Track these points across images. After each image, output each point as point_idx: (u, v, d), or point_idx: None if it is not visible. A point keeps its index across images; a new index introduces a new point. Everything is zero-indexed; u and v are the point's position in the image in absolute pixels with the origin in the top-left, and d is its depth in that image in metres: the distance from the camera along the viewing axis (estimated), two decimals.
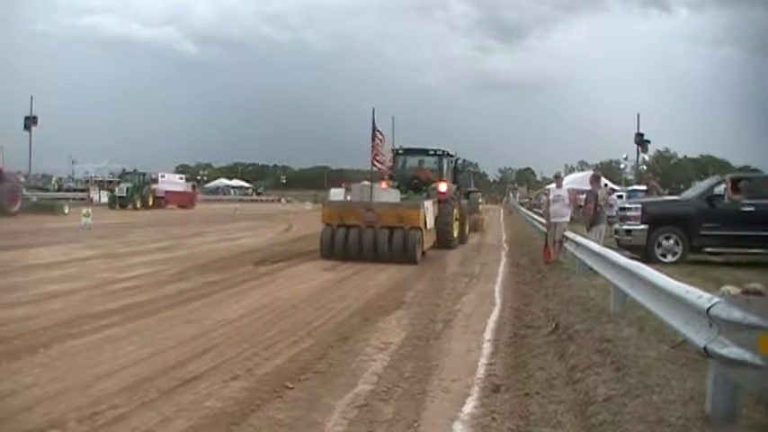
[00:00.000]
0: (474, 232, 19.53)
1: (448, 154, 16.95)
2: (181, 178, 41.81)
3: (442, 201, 14.63)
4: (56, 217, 23.30)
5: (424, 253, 12.77)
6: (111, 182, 42.41)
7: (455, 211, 15.39)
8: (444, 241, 14.61)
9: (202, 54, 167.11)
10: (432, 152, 16.62)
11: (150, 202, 34.64)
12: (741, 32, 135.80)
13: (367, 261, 11.53)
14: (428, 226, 12.93)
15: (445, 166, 16.60)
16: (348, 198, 13.79)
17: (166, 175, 38.74)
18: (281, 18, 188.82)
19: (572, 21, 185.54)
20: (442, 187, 15.10)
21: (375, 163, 13.83)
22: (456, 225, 15.50)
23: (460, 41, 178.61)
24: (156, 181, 36.75)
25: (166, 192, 36.77)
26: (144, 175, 36.21)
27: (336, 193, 14.96)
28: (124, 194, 33.31)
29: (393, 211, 12.38)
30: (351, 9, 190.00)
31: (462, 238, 16.54)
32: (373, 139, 13.41)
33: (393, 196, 13.49)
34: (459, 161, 18.86)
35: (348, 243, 12.01)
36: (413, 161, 16.80)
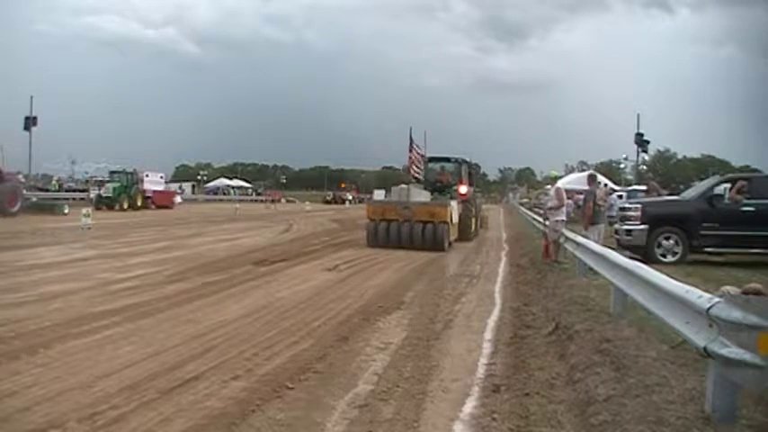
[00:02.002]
0: (481, 228, 21.32)
1: (464, 161, 19.75)
2: (161, 177, 39.71)
3: (462, 201, 17.38)
4: (56, 217, 23.27)
5: (450, 243, 15.20)
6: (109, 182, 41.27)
7: (473, 209, 18.25)
8: (465, 234, 17.18)
9: (203, 54, 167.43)
10: (453, 160, 19.44)
11: (139, 203, 32.84)
12: (742, 33, 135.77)
13: (404, 249, 13.95)
14: (453, 221, 15.61)
15: (463, 171, 19.22)
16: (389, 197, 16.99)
17: (150, 174, 36.55)
18: (282, 18, 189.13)
19: (573, 21, 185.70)
20: (463, 189, 17.96)
21: (412, 171, 16.68)
22: (473, 221, 18.24)
23: (462, 42, 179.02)
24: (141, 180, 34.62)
25: (154, 192, 35.36)
26: (133, 174, 34.21)
27: (378, 194, 20.45)
28: (110, 194, 31.39)
29: (426, 208, 15.08)
30: (352, 9, 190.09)
31: (476, 233, 19.08)
32: (410, 151, 16.29)
33: (425, 197, 16.29)
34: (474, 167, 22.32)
35: (389, 234, 14.76)
36: (436, 167, 19.30)
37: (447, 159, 19.52)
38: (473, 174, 20.92)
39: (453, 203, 16.06)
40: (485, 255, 14.59)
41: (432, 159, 19.28)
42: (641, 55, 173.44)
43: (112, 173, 35.36)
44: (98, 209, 29.54)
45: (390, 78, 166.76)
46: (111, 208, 30.22)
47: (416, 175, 17.00)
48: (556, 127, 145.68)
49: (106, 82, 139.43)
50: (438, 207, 15.25)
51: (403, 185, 16.79)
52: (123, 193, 32.07)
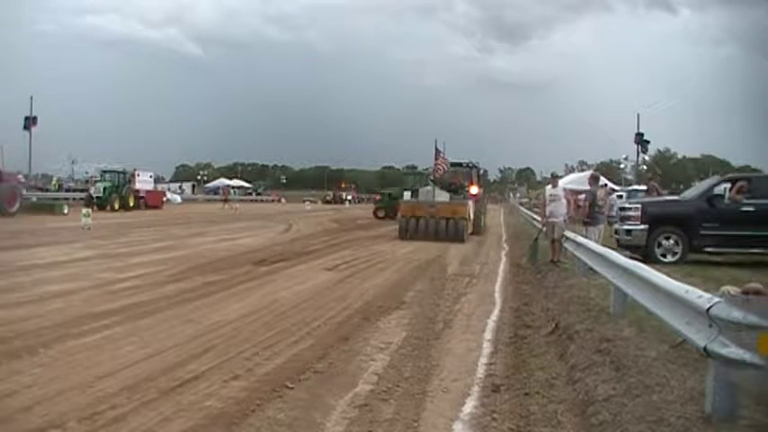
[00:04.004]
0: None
1: (474, 165, 23.08)
2: (151, 176, 38.47)
3: (474, 200, 20.19)
4: (55, 217, 23.28)
5: (467, 236, 17.87)
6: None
7: (482, 208, 21.61)
8: (476, 228, 20.05)
9: (204, 54, 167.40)
10: (464, 164, 22.65)
11: (131, 203, 31.93)
12: (742, 32, 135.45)
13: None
14: (470, 217, 18.71)
15: (473, 174, 22.43)
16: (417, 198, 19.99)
17: (141, 174, 35.68)
18: (284, 18, 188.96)
19: (575, 21, 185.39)
20: (474, 190, 21.00)
21: (438, 175, 19.67)
22: (482, 218, 21.46)
23: (463, 42, 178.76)
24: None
25: (147, 192, 34.65)
26: (125, 173, 33.47)
27: (406, 194, 21.34)
28: (100, 194, 30.38)
29: (448, 207, 18.06)
30: (353, 9, 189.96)
31: (485, 228, 22.14)
32: (436, 158, 19.49)
33: (445, 197, 19.01)
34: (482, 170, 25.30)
35: (418, 228, 17.55)
36: (450, 170, 21.45)
37: (460, 164, 22.36)
38: (481, 177, 24.11)
39: (470, 203, 19.15)
40: (485, 254, 14.58)
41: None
42: (642, 55, 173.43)
43: (104, 172, 34.21)
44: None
45: (391, 78, 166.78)
46: (102, 208, 28.81)
47: (441, 179, 19.90)
48: (556, 127, 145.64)
49: (107, 82, 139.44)
50: (459, 206, 18.24)
51: (428, 188, 19.79)
52: (114, 193, 31.15)
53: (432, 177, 20.25)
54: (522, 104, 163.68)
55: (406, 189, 28.48)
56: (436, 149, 19.60)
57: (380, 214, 29.65)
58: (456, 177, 21.46)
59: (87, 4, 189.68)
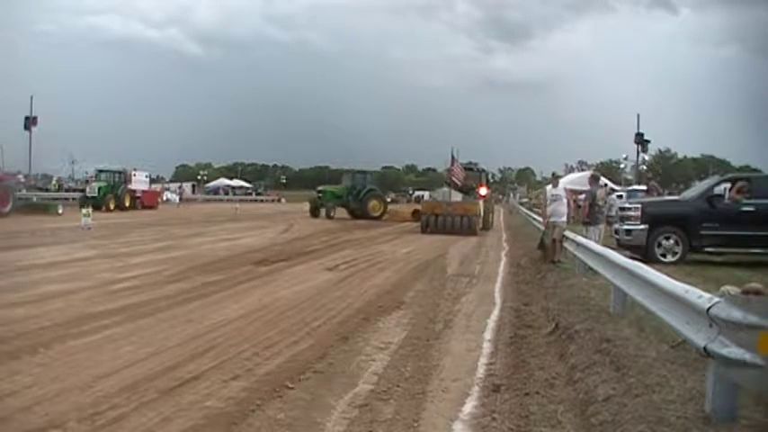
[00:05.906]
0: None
1: (483, 169, 26.82)
2: (147, 176, 37.98)
3: (483, 200, 23.25)
4: (51, 217, 23.26)
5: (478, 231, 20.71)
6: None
7: (490, 206, 24.80)
8: (485, 224, 23.12)
9: (205, 54, 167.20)
10: (474, 168, 25.78)
11: (127, 203, 31.58)
12: (743, 32, 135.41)
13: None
14: (480, 214, 21.69)
15: (482, 177, 25.56)
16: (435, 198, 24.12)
17: (137, 173, 35.22)
18: (284, 18, 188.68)
19: (576, 21, 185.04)
20: (482, 191, 23.86)
21: (453, 180, 22.58)
22: (490, 215, 24.73)
23: (464, 42, 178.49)
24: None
25: (143, 192, 34.49)
26: (121, 173, 33.10)
27: (426, 195, 25.47)
28: (95, 195, 29.83)
29: (462, 205, 21.02)
30: (354, 9, 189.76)
31: (492, 224, 25.22)
32: (452, 165, 22.65)
33: (458, 197, 21.86)
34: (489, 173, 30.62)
35: (437, 223, 20.44)
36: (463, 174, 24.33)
37: (470, 168, 25.03)
38: (488, 179, 27.57)
39: (480, 202, 22.17)
40: (484, 255, 14.59)
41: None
42: (642, 55, 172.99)
43: (100, 171, 33.78)
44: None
45: (391, 78, 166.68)
46: (97, 209, 27.18)
47: (456, 182, 22.64)
48: (556, 127, 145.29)
49: (108, 82, 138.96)
50: (472, 204, 21.21)
51: (445, 189, 23.11)
52: (109, 193, 30.78)
53: (447, 180, 23.48)
54: (523, 104, 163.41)
55: (347, 186, 30.17)
56: (452, 157, 22.74)
57: (332, 214, 28.67)
58: (468, 179, 23.86)
59: (87, 5, 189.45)
